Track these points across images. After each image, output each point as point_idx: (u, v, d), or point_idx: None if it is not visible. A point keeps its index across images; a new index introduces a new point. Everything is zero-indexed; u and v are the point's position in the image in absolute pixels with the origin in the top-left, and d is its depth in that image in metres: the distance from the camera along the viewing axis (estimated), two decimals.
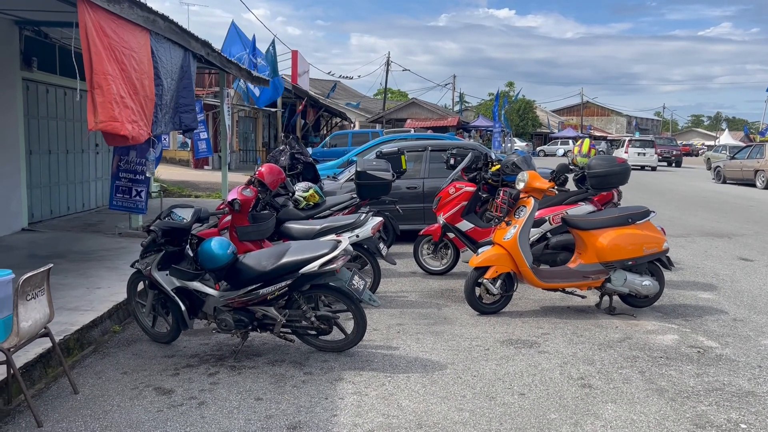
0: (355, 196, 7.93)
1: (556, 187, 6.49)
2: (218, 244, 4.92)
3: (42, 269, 3.98)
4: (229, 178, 15.03)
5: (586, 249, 6.43)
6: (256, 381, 4.67)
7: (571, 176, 7.60)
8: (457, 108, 54.58)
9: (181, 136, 18.62)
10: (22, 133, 9.78)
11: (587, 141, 8.44)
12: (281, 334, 5.11)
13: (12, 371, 3.89)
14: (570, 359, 5.20)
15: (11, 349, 3.72)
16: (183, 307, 5.06)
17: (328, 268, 4.90)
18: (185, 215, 5.11)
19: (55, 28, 9.75)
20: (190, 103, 8.29)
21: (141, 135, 6.95)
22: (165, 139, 10.22)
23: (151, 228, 4.99)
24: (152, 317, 5.52)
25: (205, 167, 23.71)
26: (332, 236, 6.32)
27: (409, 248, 8.86)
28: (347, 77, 60.29)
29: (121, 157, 9.46)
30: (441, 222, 7.82)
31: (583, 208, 7.40)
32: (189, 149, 22.96)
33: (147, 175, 9.32)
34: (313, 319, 5.02)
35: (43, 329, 4.09)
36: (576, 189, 7.78)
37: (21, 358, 4.52)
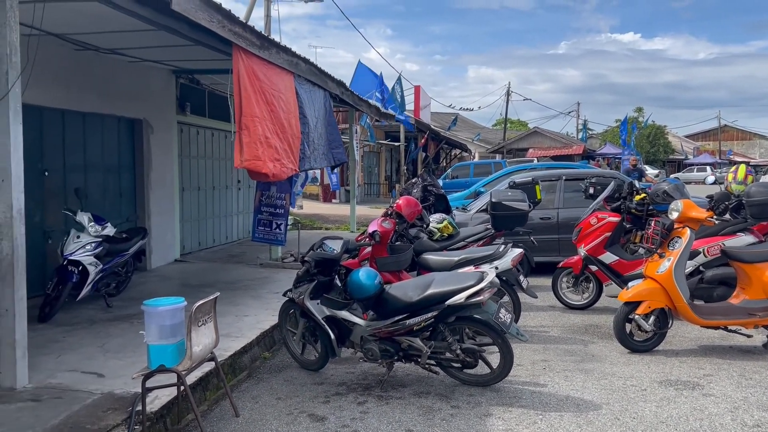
0: (490, 227, 7.84)
1: (714, 217, 6.04)
2: (366, 275, 5.04)
3: (210, 298, 4.26)
4: (357, 211, 15.50)
5: (752, 283, 5.89)
6: (405, 412, 4.67)
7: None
8: (581, 135, 52.87)
9: (311, 171, 19.50)
10: (177, 172, 10.67)
11: (743, 167, 7.81)
12: (426, 366, 5.10)
13: (185, 392, 4.17)
14: (741, 404, 4.74)
15: (184, 372, 3.99)
16: (332, 336, 5.20)
17: (474, 300, 4.84)
18: (335, 246, 5.30)
19: (206, 75, 10.63)
20: (337, 139, 8.68)
21: (282, 172, 7.33)
22: (308, 174, 10.77)
23: (306, 259, 5.21)
24: (302, 345, 5.72)
25: (333, 201, 24.60)
26: (470, 268, 6.28)
27: (543, 281, 8.59)
28: (468, 109, 60.45)
29: (263, 192, 10.03)
30: (582, 254, 7.52)
31: (743, 239, 6.82)
32: (318, 183, 23.96)
33: (293, 208, 9.80)
34: (458, 351, 4.97)
35: (210, 354, 4.35)
36: (731, 218, 7.20)
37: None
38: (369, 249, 6.82)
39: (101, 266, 6.98)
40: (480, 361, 5.04)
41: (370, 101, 13.48)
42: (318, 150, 8.51)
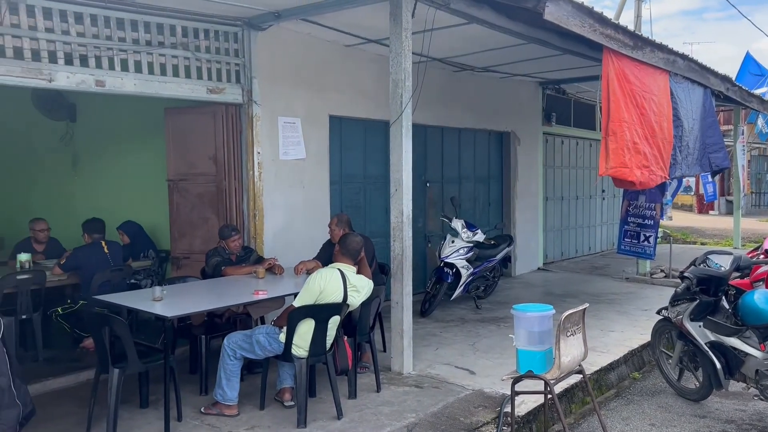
0: None
1: None
2: (764, 298, 4.26)
3: (579, 308, 4.14)
4: (741, 224, 13.42)
5: None
6: None
7: None
8: None
9: (685, 180, 17.66)
10: (541, 182, 10.83)
11: None
12: None
13: (551, 401, 4.13)
14: None
15: (552, 381, 3.94)
16: (718, 365, 4.53)
17: None
18: (723, 263, 4.63)
19: (572, 84, 10.53)
20: (718, 142, 7.71)
21: (650, 180, 6.76)
22: (680, 182, 9.81)
23: (686, 275, 4.68)
24: (678, 370, 5.15)
25: (710, 212, 21.90)
26: None
27: None
28: None
29: (630, 201, 9.45)
30: None
31: None
32: (693, 193, 21.63)
33: (663, 219, 9.04)
34: None
35: (578, 366, 4.22)
36: None
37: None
38: (765, 268, 5.79)
39: (472, 269, 7.48)
40: None
41: (764, 97, 11.55)
42: (692, 155, 7.62)
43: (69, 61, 4.88)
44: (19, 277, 5.50)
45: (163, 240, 7.17)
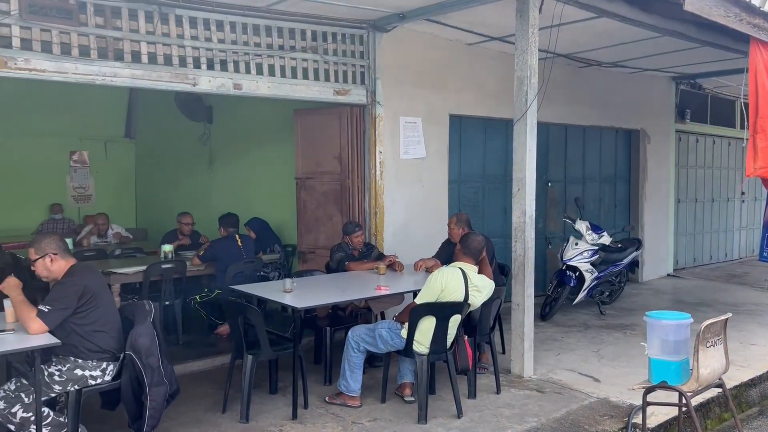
0: None
1: None
2: None
3: (721, 318, 3.87)
4: None
5: None
6: None
7: None
8: None
9: None
10: (672, 183, 10.19)
11: None
12: None
13: (686, 414, 3.89)
14: None
15: (689, 393, 3.71)
16: None
17: None
18: None
19: (709, 78, 9.81)
20: None
21: None
22: None
23: None
24: None
25: None
26: None
27: None
28: None
29: None
30: None
31: None
32: None
33: None
34: None
35: (718, 380, 3.95)
36: None
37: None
38: None
39: (596, 274, 7.18)
40: None
41: None
42: None
43: (211, 66, 5.24)
44: (163, 266, 6.00)
45: (289, 235, 7.51)
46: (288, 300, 4.52)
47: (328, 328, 5.09)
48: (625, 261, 7.69)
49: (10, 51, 4.30)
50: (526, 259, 5.18)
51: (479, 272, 4.50)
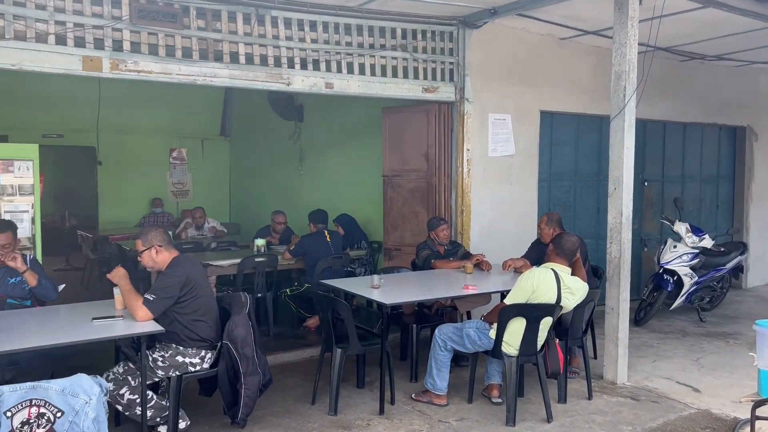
0: None
1: None
2: None
3: None
4: None
5: None
6: None
7: None
8: None
9: None
10: None
11: None
12: None
13: None
14: None
15: None
16: None
17: None
18: None
19: None
20: None
21: None
22: None
23: None
24: None
25: None
26: None
27: None
28: None
29: None
30: None
31: None
32: None
33: None
34: None
35: None
36: None
37: None
38: None
39: (696, 278, 6.80)
40: None
41: None
42: None
43: (304, 65, 5.37)
44: (257, 259, 6.21)
45: (375, 232, 7.59)
46: (376, 296, 4.55)
47: (414, 326, 5.10)
48: (729, 266, 7.23)
49: (121, 54, 4.58)
50: (622, 261, 4.98)
51: (572, 274, 4.36)
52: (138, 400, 3.67)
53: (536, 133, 6.84)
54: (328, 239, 6.46)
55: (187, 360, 3.82)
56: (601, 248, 6.97)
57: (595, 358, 5.53)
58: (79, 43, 4.43)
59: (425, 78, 6.02)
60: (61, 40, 4.36)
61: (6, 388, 2.49)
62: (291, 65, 5.31)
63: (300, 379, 5.05)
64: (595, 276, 5.59)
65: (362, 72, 5.65)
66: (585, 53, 6.99)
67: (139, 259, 3.94)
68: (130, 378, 3.73)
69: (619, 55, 4.91)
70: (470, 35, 6.19)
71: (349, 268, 6.76)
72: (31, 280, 4.08)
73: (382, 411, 4.35)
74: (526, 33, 6.55)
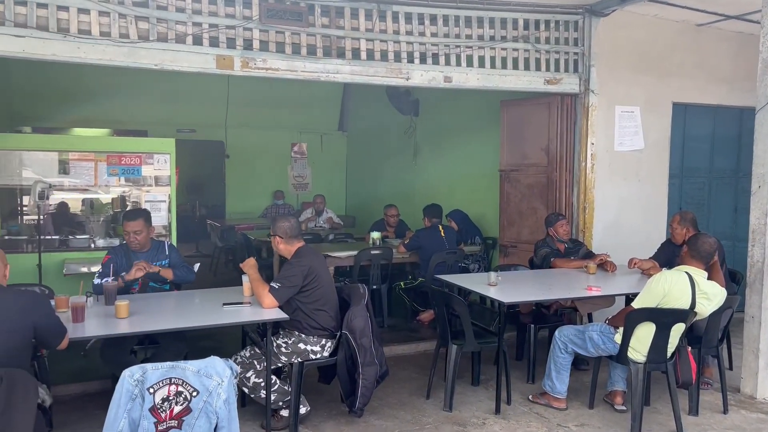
0: None
1: None
2: None
3: None
4: None
5: None
6: None
7: None
8: None
9: None
10: None
11: None
12: None
13: None
14: None
15: None
16: None
17: None
18: None
19: None
20: None
21: None
22: None
23: None
24: None
25: None
26: None
27: None
28: None
29: None
30: None
31: None
32: None
33: None
34: None
35: None
36: None
37: None
38: None
39: None
40: None
41: None
42: None
43: (423, 60, 5.36)
44: (372, 252, 6.31)
45: (489, 228, 7.46)
46: (492, 293, 4.47)
47: (532, 326, 4.96)
48: None
49: (251, 52, 4.80)
50: (765, 266, 4.56)
51: (709, 278, 4.04)
52: (263, 384, 3.83)
53: (668, 126, 6.42)
54: (443, 234, 6.43)
55: (309, 347, 3.94)
56: (738, 251, 6.45)
57: (731, 369, 5.12)
58: (213, 43, 4.69)
59: (547, 69, 5.82)
60: (197, 41, 4.64)
61: (149, 366, 2.67)
62: (410, 60, 5.32)
63: (414, 373, 5.07)
64: (733, 281, 5.16)
65: (481, 65, 5.56)
66: (724, 40, 6.47)
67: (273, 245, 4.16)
68: (255, 362, 3.91)
69: (767, 40, 4.49)
70: (597, 24, 5.90)
71: (462, 264, 6.70)
72: (168, 275, 4.35)
73: (498, 410, 4.27)
74: (659, 19, 6.15)
